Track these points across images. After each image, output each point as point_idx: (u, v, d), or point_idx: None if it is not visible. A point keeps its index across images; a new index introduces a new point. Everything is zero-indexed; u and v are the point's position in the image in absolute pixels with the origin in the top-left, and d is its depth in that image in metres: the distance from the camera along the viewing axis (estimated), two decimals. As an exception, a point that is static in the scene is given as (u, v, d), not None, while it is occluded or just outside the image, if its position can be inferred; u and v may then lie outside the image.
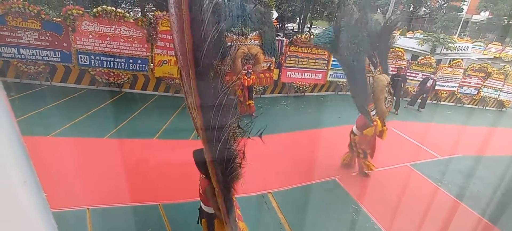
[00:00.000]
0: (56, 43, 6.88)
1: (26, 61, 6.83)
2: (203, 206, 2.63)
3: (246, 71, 6.84)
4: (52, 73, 7.19)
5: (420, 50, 14.09)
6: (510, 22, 26.76)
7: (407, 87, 10.12)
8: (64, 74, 7.28)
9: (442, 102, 11.50)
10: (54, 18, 6.84)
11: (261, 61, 7.21)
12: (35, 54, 6.85)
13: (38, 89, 6.98)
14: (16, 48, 6.70)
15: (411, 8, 31.03)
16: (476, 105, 11.78)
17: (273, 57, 7.84)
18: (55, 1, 10.21)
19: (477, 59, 18.82)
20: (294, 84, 9.21)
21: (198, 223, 2.85)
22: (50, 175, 3.86)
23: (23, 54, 6.78)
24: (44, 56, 6.92)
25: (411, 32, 21.98)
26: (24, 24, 6.57)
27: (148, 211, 3.86)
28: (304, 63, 9.17)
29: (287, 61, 8.93)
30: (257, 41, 7.33)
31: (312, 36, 9.11)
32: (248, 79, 6.85)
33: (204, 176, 2.40)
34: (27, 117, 5.56)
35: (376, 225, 4.23)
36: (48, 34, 6.78)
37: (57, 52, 6.97)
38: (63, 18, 6.72)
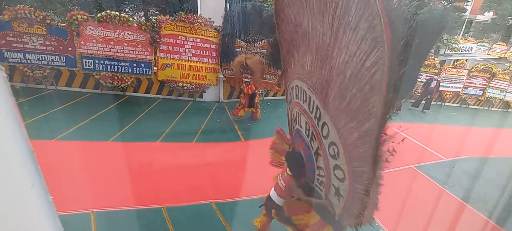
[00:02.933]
0: (61, 48, 6.97)
1: (32, 66, 6.92)
2: (275, 198, 3.13)
3: (245, 79, 6.80)
4: (57, 77, 7.28)
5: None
6: (515, 22, 26.53)
7: None
8: (69, 78, 7.37)
9: (446, 104, 11.41)
10: (59, 24, 6.94)
11: (259, 72, 6.73)
12: (40, 59, 6.95)
13: (43, 93, 7.07)
14: (22, 53, 6.80)
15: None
16: (481, 106, 11.66)
17: (279, 70, 6.83)
18: (60, 7, 10.35)
19: (481, 59, 18.66)
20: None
21: (260, 207, 3.47)
22: (54, 178, 3.89)
23: (29, 59, 6.87)
24: (49, 60, 7.01)
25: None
26: (30, 30, 6.67)
27: (152, 214, 3.87)
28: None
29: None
30: (265, 50, 6.89)
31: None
32: (247, 87, 6.81)
33: (289, 174, 2.94)
34: (33, 120, 5.63)
35: (381, 228, 4.19)
36: (53, 39, 6.87)
37: (62, 57, 7.06)
38: (68, 23, 6.81)
